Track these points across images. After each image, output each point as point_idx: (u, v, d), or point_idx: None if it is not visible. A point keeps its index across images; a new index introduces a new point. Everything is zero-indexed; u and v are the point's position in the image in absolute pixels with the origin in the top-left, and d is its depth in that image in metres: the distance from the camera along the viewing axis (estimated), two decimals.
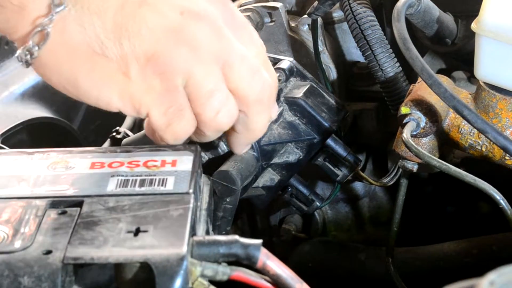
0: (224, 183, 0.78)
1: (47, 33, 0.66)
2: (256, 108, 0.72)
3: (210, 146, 0.84)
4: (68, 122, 1.21)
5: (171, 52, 0.66)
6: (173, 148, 0.71)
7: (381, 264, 0.95)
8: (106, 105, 0.68)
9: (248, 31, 0.73)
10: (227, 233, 0.82)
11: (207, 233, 0.68)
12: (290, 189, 0.93)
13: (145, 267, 0.55)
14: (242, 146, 0.77)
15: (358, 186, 1.10)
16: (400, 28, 0.85)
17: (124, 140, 0.89)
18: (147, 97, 0.67)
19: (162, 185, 0.65)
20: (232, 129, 0.73)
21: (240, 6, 1.09)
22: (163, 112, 0.68)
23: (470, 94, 0.87)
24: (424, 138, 0.86)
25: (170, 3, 0.68)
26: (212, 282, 0.58)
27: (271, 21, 1.07)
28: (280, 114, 0.88)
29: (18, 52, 0.68)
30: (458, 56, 1.05)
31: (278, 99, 0.86)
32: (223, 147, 0.84)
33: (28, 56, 0.67)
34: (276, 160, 0.88)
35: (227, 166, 0.80)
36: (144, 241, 0.57)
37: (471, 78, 1.04)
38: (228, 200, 0.80)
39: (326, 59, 1.05)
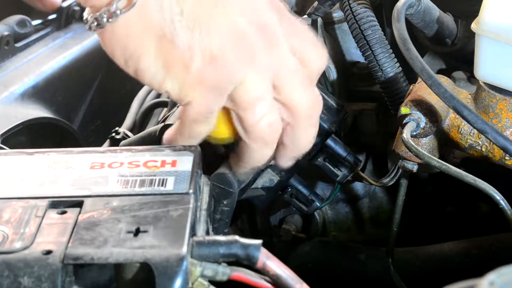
0: (221, 185, 0.78)
1: (133, 4, 0.67)
2: (304, 122, 0.74)
3: (208, 148, 0.84)
4: (68, 122, 1.21)
5: (232, 56, 0.68)
6: (173, 148, 0.71)
7: (381, 264, 0.95)
8: (158, 86, 0.70)
9: (308, 37, 0.75)
10: (225, 234, 0.82)
11: (207, 233, 0.68)
12: (290, 189, 0.93)
13: (145, 267, 0.55)
14: (287, 160, 0.77)
15: (358, 186, 1.10)
16: (400, 29, 0.85)
17: (123, 142, 0.89)
18: (196, 90, 0.69)
19: (162, 185, 0.65)
20: (280, 142, 0.74)
21: None
22: (203, 109, 0.70)
23: (470, 94, 0.87)
24: (424, 138, 0.86)
25: (240, 9, 0.70)
26: (212, 282, 0.58)
27: None
28: None
29: (87, 16, 0.69)
30: (458, 56, 1.05)
31: None
32: (221, 150, 0.84)
33: (94, 24, 0.68)
34: None
35: (224, 169, 0.80)
36: (144, 241, 0.57)
37: (471, 78, 1.04)
38: (225, 202, 0.80)
39: None
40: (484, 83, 0.84)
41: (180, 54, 0.67)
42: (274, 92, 0.71)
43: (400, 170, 0.92)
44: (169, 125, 0.81)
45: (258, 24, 0.70)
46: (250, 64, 0.69)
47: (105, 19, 0.67)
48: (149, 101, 1.33)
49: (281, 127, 0.73)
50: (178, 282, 0.55)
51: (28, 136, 1.12)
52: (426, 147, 0.87)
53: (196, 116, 0.70)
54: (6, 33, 1.19)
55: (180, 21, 0.67)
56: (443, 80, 0.87)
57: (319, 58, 0.75)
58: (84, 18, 0.69)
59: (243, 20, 0.69)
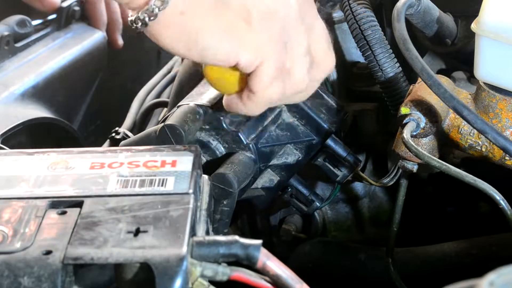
0: (221, 185, 0.78)
1: None
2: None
3: (207, 148, 0.84)
4: (68, 123, 1.21)
5: (285, 14, 0.70)
6: (173, 148, 0.71)
7: (381, 264, 0.95)
8: (226, 56, 0.69)
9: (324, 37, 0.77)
10: (225, 234, 0.82)
11: (207, 233, 0.68)
12: (290, 189, 0.93)
13: (145, 268, 0.55)
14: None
15: (358, 186, 1.10)
16: (400, 29, 0.85)
17: (123, 142, 0.89)
18: (268, 47, 0.69)
19: (162, 185, 0.65)
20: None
21: None
22: (278, 67, 0.70)
23: (470, 94, 0.87)
24: (424, 139, 0.86)
25: None
26: (212, 282, 0.58)
27: None
28: (279, 115, 0.88)
29: (135, 16, 0.67)
30: (458, 56, 1.05)
31: None
32: (220, 149, 0.84)
33: (147, 18, 0.67)
34: (275, 161, 0.88)
35: (224, 169, 0.80)
36: (144, 242, 0.57)
37: (471, 78, 1.04)
38: (225, 202, 0.80)
39: None
40: (484, 83, 0.84)
41: (237, 14, 0.68)
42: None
43: (400, 170, 0.92)
44: (170, 126, 0.80)
45: (302, 4, 0.72)
46: (294, 27, 0.71)
47: (157, 9, 0.66)
48: (149, 101, 1.33)
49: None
50: (178, 282, 0.55)
51: (28, 136, 1.12)
52: (426, 147, 0.87)
53: (274, 73, 0.70)
54: (6, 33, 1.19)
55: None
56: (443, 80, 0.87)
57: (329, 61, 0.78)
58: (131, 19, 0.68)
59: None
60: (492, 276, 0.43)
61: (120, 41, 1.43)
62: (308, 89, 0.76)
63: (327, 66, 0.77)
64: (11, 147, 0.99)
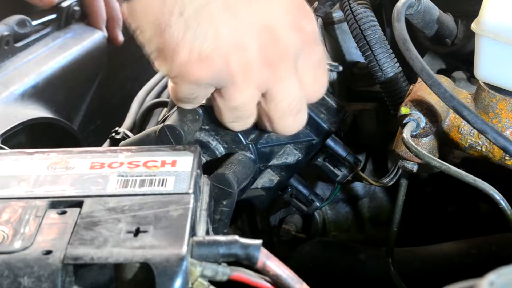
0: (220, 186, 0.78)
1: None
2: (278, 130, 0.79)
3: (207, 148, 0.84)
4: (68, 122, 1.21)
5: (222, 62, 0.71)
6: (173, 148, 0.71)
7: (381, 264, 0.95)
8: (152, 62, 0.76)
9: (321, 70, 0.78)
10: (225, 234, 0.82)
11: (207, 233, 0.68)
12: (290, 189, 0.93)
13: (145, 267, 0.55)
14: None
15: (358, 186, 1.10)
16: (400, 29, 0.85)
17: (122, 142, 0.89)
18: (179, 79, 0.73)
19: (162, 185, 0.65)
20: None
21: None
22: (185, 94, 0.75)
23: (470, 94, 0.87)
24: (424, 139, 0.86)
25: (252, 17, 0.72)
26: (212, 282, 0.58)
27: None
28: None
29: None
30: (458, 56, 1.05)
31: None
32: (220, 149, 0.84)
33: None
34: (274, 161, 0.88)
35: (223, 169, 0.80)
36: (144, 242, 0.57)
37: (471, 78, 1.04)
38: (224, 203, 0.80)
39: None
40: (484, 83, 0.84)
41: (167, 44, 0.71)
42: (261, 98, 0.74)
43: (400, 170, 0.92)
44: (169, 126, 0.81)
45: (268, 41, 0.72)
46: (241, 76, 0.71)
47: None
48: (149, 101, 1.33)
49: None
50: (178, 282, 0.55)
51: (28, 136, 1.12)
52: (426, 147, 0.87)
53: (180, 97, 0.76)
54: (6, 33, 1.19)
55: (178, 19, 0.70)
56: (443, 80, 0.87)
57: (319, 87, 0.78)
58: None
59: (250, 34, 0.71)
60: (492, 276, 0.43)
61: (121, 37, 1.43)
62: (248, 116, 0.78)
63: (283, 129, 0.78)
64: (11, 147, 0.98)
